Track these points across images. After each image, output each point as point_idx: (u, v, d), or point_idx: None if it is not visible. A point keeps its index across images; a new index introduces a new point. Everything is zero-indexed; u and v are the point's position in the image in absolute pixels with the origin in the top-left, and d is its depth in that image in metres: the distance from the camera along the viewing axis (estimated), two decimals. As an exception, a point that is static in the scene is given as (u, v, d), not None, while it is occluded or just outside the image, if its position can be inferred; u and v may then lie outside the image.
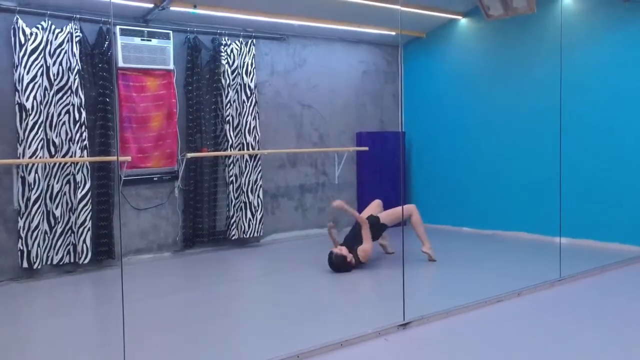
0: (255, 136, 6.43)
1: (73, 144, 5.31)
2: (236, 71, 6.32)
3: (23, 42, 5.04)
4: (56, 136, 5.25)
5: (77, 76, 5.30)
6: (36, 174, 5.11)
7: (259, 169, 6.50)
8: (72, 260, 5.37)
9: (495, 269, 5.20)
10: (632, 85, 5.65)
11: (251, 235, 6.41)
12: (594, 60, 5.93)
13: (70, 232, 5.36)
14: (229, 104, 6.26)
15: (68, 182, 5.35)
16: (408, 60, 7.74)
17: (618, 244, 5.74)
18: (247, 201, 6.38)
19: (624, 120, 5.72)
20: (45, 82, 5.19)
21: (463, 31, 7.17)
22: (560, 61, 5.29)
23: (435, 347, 3.31)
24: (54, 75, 5.24)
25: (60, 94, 5.28)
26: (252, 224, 6.42)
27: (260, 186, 6.51)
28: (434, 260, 5.34)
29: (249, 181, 6.41)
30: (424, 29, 7.43)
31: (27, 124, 5.05)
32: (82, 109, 5.33)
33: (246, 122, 6.36)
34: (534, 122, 6.40)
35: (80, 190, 5.33)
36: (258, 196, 6.47)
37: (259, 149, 6.47)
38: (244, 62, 6.36)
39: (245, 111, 6.36)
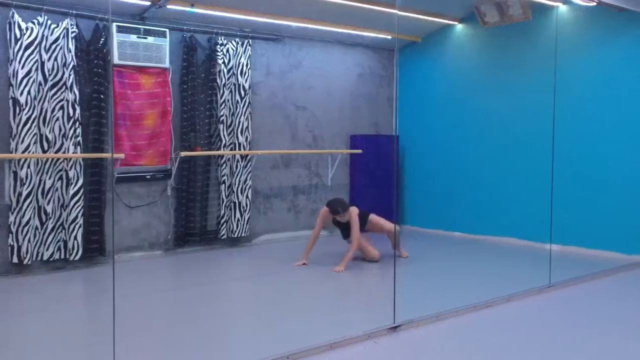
0: (247, 137, 6.44)
1: (66, 140, 5.30)
2: (231, 71, 6.32)
3: (18, 36, 5.02)
4: (49, 132, 5.24)
5: (72, 72, 5.28)
6: (28, 169, 5.09)
7: (249, 170, 6.51)
8: (62, 257, 5.35)
9: (485, 274, 5.22)
10: (625, 93, 5.70)
11: (239, 235, 6.41)
12: (588, 68, 5.98)
13: (61, 228, 5.34)
14: (223, 104, 6.26)
15: (60, 178, 5.33)
16: (403, 64, 7.77)
17: (608, 252, 5.79)
18: (237, 201, 6.39)
19: (616, 129, 5.77)
20: (40, 77, 5.17)
21: (459, 37, 7.20)
22: (555, 69, 5.33)
23: (424, 350, 3.33)
24: (48, 71, 5.22)
25: (55, 90, 5.27)
26: (241, 223, 6.43)
27: (250, 186, 6.51)
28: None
29: (238, 181, 6.41)
30: (419, 33, 7.46)
31: (20, 119, 5.03)
32: (76, 105, 5.32)
33: (239, 122, 6.37)
34: (526, 128, 6.44)
35: (72, 187, 5.32)
36: (247, 197, 6.48)
37: (249, 150, 6.48)
38: (239, 62, 6.36)
39: (239, 111, 6.37)
